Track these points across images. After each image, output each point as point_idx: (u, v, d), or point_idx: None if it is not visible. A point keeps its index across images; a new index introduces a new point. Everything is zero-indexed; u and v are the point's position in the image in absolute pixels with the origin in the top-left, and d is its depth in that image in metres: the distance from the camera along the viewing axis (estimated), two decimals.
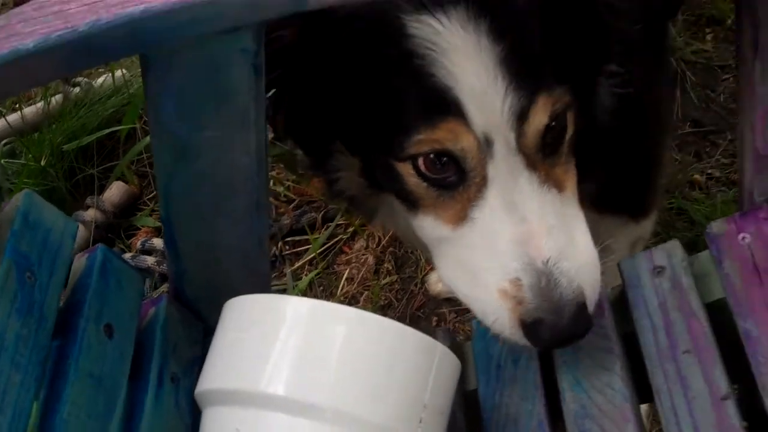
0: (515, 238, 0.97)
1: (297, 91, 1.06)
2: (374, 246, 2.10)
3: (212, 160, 1.01)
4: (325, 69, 1.02)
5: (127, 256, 2.08)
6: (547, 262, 0.97)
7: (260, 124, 0.99)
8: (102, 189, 2.23)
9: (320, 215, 2.15)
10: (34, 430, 0.93)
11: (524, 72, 0.94)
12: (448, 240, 1.03)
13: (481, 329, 1.15)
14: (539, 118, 0.95)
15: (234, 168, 1.02)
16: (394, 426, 0.91)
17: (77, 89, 2.34)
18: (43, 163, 2.18)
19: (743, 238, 1.09)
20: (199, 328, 1.15)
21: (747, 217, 1.10)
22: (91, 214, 2.19)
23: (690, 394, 1.01)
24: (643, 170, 1.45)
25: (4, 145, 2.23)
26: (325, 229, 2.13)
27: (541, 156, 0.99)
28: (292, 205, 2.19)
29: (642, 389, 1.06)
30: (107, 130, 2.18)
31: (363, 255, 2.10)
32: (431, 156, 0.98)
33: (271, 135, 2.29)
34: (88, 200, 2.22)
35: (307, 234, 2.12)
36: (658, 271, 1.11)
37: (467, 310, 1.09)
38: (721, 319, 1.06)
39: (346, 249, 2.12)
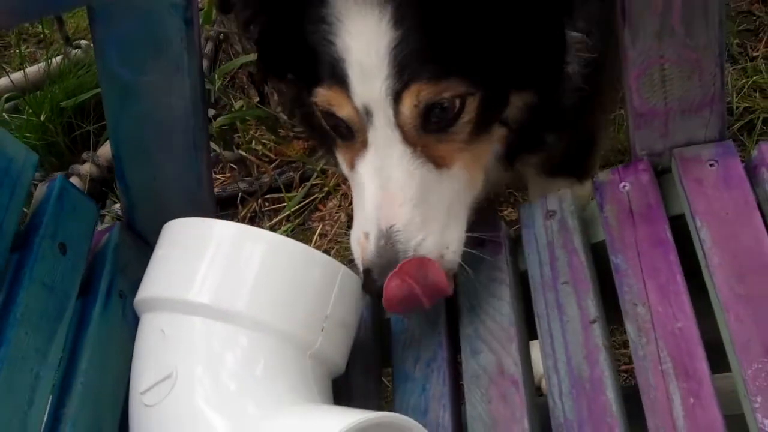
0: (375, 201, 1.12)
1: (270, 35, 1.19)
2: (347, 204, 2.24)
3: (152, 102, 1.16)
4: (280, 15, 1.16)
5: (118, 206, 2.24)
6: (391, 227, 1.10)
7: (193, 71, 1.14)
8: (97, 145, 2.39)
9: (298, 175, 2.30)
10: None
11: (410, 59, 1.06)
12: (349, 178, 1.18)
13: None
14: (410, 101, 1.07)
15: (171, 110, 1.17)
16: (299, 331, 1.07)
17: (78, 51, 2.50)
18: (43, 118, 2.34)
19: (623, 186, 1.22)
20: (148, 253, 1.30)
21: (628, 168, 1.24)
22: (86, 168, 2.35)
23: (564, 318, 1.14)
24: (588, 144, 1.59)
25: (8, 101, 2.39)
26: (302, 188, 2.28)
27: (422, 133, 1.11)
28: (273, 165, 2.34)
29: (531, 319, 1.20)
30: None
31: (336, 213, 2.25)
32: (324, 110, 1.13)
33: (256, 99, 2.44)
34: (84, 155, 2.38)
35: (284, 192, 2.27)
36: (550, 214, 1.25)
37: None
38: (602, 257, 1.20)
39: (320, 207, 2.27)
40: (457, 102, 1.11)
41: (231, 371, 1.03)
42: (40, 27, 2.72)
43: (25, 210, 1.19)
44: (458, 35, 1.10)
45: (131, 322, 1.23)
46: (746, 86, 2.22)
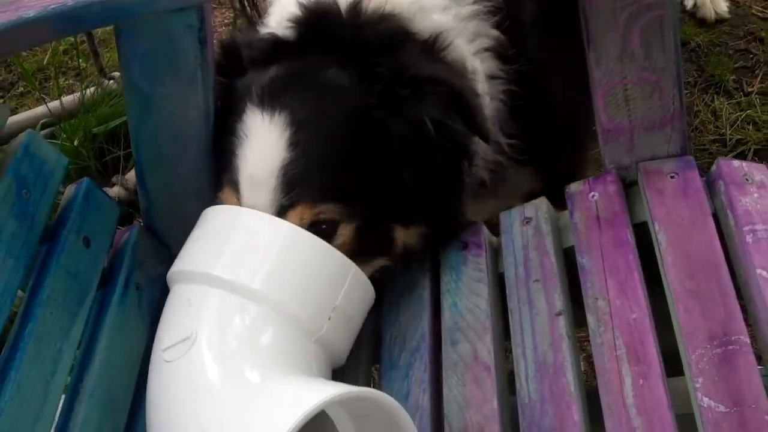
0: None
1: None
2: None
3: (169, 112, 1.30)
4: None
5: None
6: None
7: (207, 85, 1.29)
8: (126, 169, 2.55)
9: None
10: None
11: (297, 180, 1.20)
12: None
13: None
14: (292, 219, 1.20)
15: (186, 120, 1.31)
16: (308, 315, 1.18)
17: (111, 81, 2.68)
18: (76, 144, 2.51)
19: (592, 195, 1.34)
20: (164, 253, 1.44)
21: (597, 180, 1.36)
22: (115, 190, 2.51)
23: (534, 311, 1.26)
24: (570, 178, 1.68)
25: (44, 127, 2.56)
26: None
27: None
28: None
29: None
30: None
31: None
32: None
33: None
34: (114, 179, 2.54)
35: None
36: (527, 220, 1.37)
37: None
38: (573, 260, 1.32)
39: None
40: (331, 225, 1.23)
41: (239, 339, 1.15)
42: (78, 61, 2.90)
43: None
44: (344, 168, 1.24)
45: (146, 312, 1.36)
46: (740, 119, 2.34)
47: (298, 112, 1.20)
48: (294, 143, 1.20)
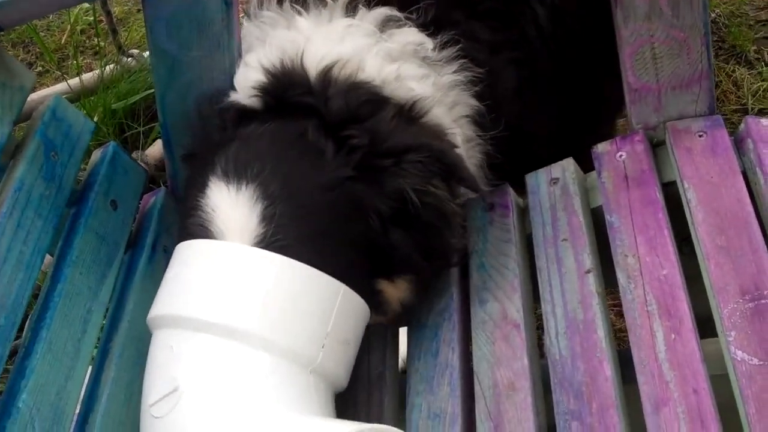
0: None
1: None
2: None
3: (196, 76, 1.30)
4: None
5: None
6: None
7: (232, 48, 1.28)
8: (146, 145, 2.55)
9: None
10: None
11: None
12: None
13: None
14: None
15: (213, 82, 1.31)
16: (300, 347, 1.08)
17: (130, 59, 2.68)
18: (96, 120, 2.51)
19: (620, 155, 1.34)
20: None
21: (625, 139, 1.36)
22: None
23: (563, 270, 1.26)
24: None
25: None
26: None
27: None
28: None
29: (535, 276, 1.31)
30: (152, 91, 2.51)
31: None
32: None
33: None
34: (134, 154, 2.54)
35: None
36: (554, 181, 1.36)
37: None
38: (600, 220, 1.31)
39: None
40: None
41: (228, 385, 1.06)
42: (96, 40, 2.91)
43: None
44: (321, 240, 1.14)
45: None
46: (761, 89, 2.33)
47: (268, 185, 1.12)
48: (267, 216, 1.11)
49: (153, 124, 2.58)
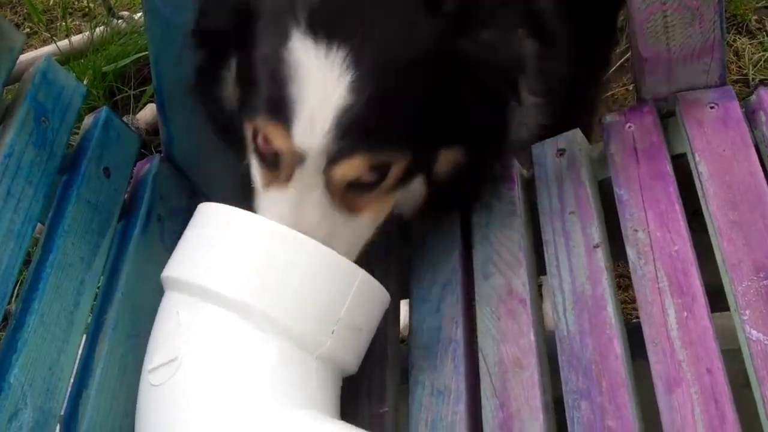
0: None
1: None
2: None
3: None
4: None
5: None
6: None
7: None
8: (137, 109, 2.50)
9: None
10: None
11: (355, 127, 1.05)
12: (258, 193, 1.16)
13: None
14: (345, 166, 1.08)
15: None
16: (308, 331, 1.04)
17: (120, 21, 2.61)
18: (86, 83, 2.45)
19: (629, 126, 1.30)
20: (186, 185, 1.41)
21: (634, 110, 1.32)
22: None
23: (570, 243, 1.22)
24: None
25: None
26: None
27: (346, 188, 1.11)
28: None
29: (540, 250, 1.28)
30: (143, 53, 2.45)
31: None
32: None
33: None
34: (125, 119, 2.48)
35: None
36: (560, 152, 1.33)
37: None
38: (608, 193, 1.28)
39: None
40: (383, 169, 1.12)
41: (234, 363, 1.03)
42: (85, 1, 2.84)
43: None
44: (407, 108, 1.10)
45: (168, 244, 1.32)
46: (762, 59, 2.29)
47: (360, 46, 1.04)
48: (357, 88, 1.04)
49: (144, 88, 2.53)
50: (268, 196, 1.15)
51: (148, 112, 2.50)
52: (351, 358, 1.10)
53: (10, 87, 1.29)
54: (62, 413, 1.09)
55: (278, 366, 1.03)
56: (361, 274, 1.08)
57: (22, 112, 1.19)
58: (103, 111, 1.32)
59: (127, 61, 2.46)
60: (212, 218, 1.12)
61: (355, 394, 1.16)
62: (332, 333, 1.05)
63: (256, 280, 1.05)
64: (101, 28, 2.62)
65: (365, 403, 1.17)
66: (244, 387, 1.02)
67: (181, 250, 1.12)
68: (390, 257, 1.36)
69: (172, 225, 1.34)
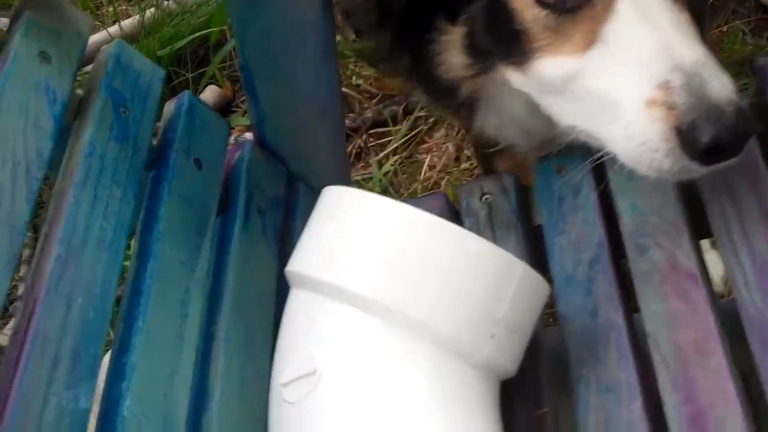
0: (656, 46, 0.91)
1: None
2: (454, 134, 2.17)
3: (281, 7, 1.09)
4: None
5: None
6: (696, 62, 0.90)
7: None
8: (196, 92, 2.35)
9: (401, 108, 2.23)
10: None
11: None
12: (573, 75, 0.98)
13: (543, 167, 1.22)
14: None
15: (302, 13, 1.10)
16: (463, 337, 0.90)
17: (171, 1, 2.46)
18: None
19: None
20: (281, 170, 1.26)
21: None
22: None
23: (739, 206, 1.05)
24: None
25: None
26: (407, 121, 2.21)
27: None
28: (375, 99, 2.28)
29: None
30: (198, 33, 2.31)
31: (443, 143, 2.18)
32: None
33: (352, 36, 2.38)
34: None
35: (389, 126, 2.20)
36: None
37: None
38: None
39: (426, 138, 2.20)
40: None
41: (377, 376, 0.90)
42: None
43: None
44: None
45: (271, 239, 1.18)
46: None
47: None
48: None
49: (202, 69, 2.38)
50: (593, 57, 0.95)
51: (208, 95, 2.36)
52: (510, 361, 0.95)
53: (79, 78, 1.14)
54: None
55: (431, 377, 0.88)
56: (522, 267, 0.93)
57: (99, 104, 1.05)
58: (186, 96, 1.17)
59: (183, 42, 2.31)
60: (343, 205, 0.97)
61: (506, 395, 1.00)
62: (491, 337, 0.90)
63: (400, 278, 0.89)
64: (151, 10, 2.47)
65: (519, 405, 1.02)
66: (394, 404, 0.87)
67: (307, 241, 0.98)
68: (515, 231, 1.20)
69: (274, 217, 1.20)
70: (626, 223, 1.12)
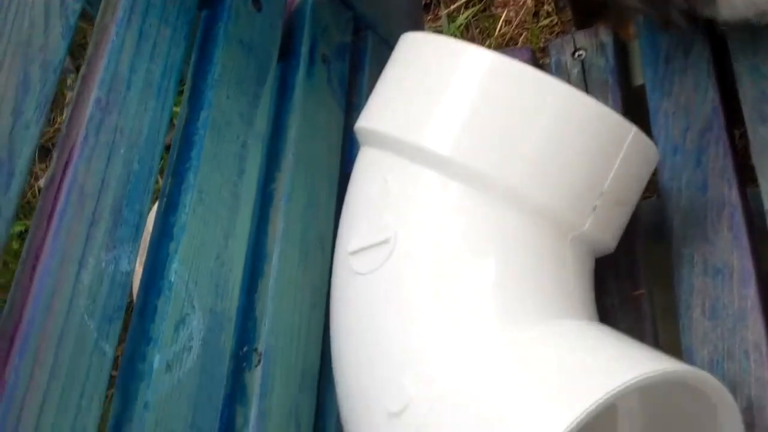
0: None
1: None
2: None
3: None
4: None
5: None
6: None
7: None
8: None
9: None
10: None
11: None
12: None
13: (648, 19, 1.08)
14: None
15: None
16: (563, 208, 0.78)
17: None
18: None
19: None
20: (347, 15, 1.12)
21: None
22: None
23: None
24: None
25: None
26: None
27: None
28: None
29: None
30: None
31: None
32: None
33: None
34: None
35: None
36: None
37: None
38: None
39: None
40: None
41: (464, 250, 0.78)
42: None
43: None
44: None
45: (337, 89, 1.07)
46: None
47: None
48: None
49: None
50: None
51: None
52: (610, 237, 0.82)
53: None
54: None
55: (521, 252, 0.77)
56: (634, 130, 0.79)
57: None
58: None
59: None
60: (427, 53, 0.82)
61: (598, 273, 0.89)
62: (593, 210, 0.78)
63: (491, 139, 0.76)
64: None
65: (613, 284, 0.92)
66: (477, 280, 0.76)
67: (383, 94, 0.84)
68: (612, 93, 1.07)
69: (339, 66, 1.08)
70: (746, 86, 0.97)
